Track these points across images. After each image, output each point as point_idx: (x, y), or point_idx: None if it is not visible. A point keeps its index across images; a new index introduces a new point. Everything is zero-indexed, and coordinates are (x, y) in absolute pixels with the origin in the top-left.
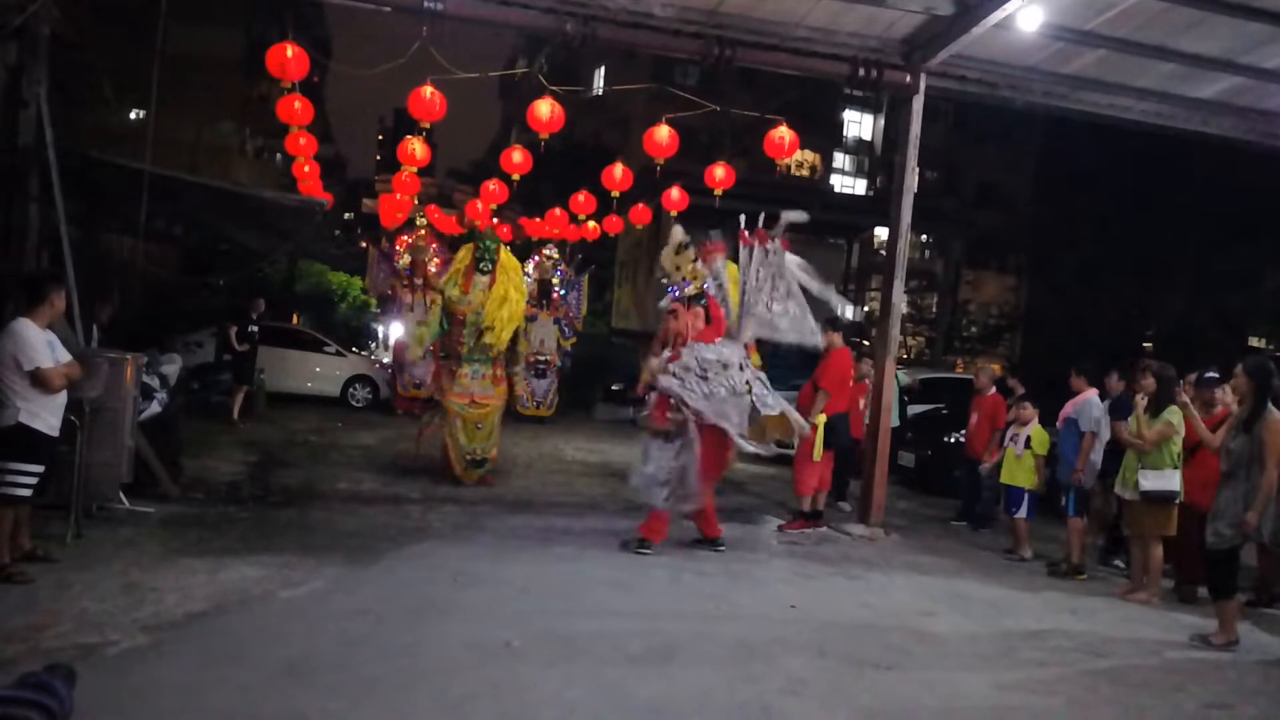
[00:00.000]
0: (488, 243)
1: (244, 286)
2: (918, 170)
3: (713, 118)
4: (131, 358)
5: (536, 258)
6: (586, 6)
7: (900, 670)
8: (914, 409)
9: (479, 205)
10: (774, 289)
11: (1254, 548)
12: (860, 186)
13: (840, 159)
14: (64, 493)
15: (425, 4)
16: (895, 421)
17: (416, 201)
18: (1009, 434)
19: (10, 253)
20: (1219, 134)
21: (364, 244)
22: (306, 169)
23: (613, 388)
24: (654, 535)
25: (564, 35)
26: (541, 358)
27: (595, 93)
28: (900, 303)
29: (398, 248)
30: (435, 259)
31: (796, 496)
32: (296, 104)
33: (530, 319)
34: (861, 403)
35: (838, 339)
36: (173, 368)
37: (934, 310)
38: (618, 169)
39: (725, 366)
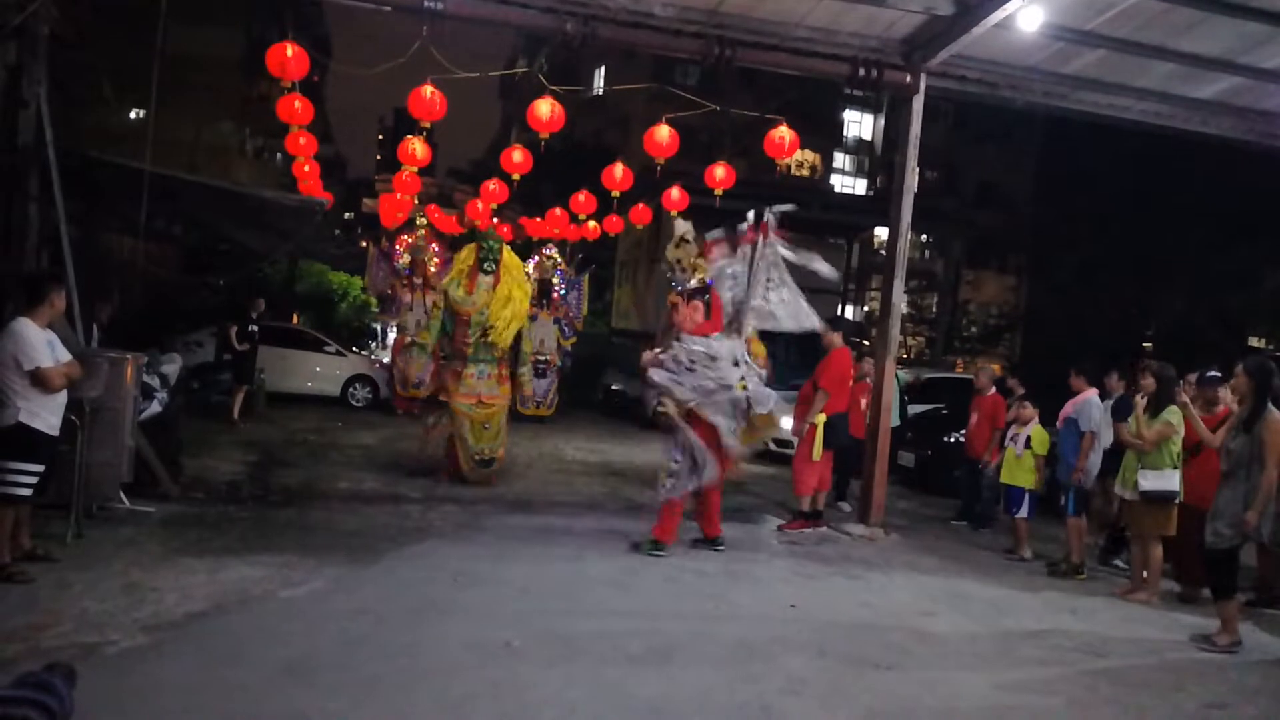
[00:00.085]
0: (490, 243)
1: (244, 286)
2: (918, 170)
3: (713, 117)
4: (131, 357)
5: (536, 257)
6: (586, 6)
7: (900, 670)
8: (914, 408)
9: (479, 205)
10: (769, 280)
11: (1254, 547)
12: (860, 186)
13: (840, 159)
14: (64, 492)
15: (425, 3)
16: (895, 421)
17: (417, 201)
18: (1009, 434)
19: (10, 252)
20: (1218, 134)
21: (364, 243)
22: (306, 168)
23: (612, 388)
24: (667, 536)
25: (564, 35)
26: (541, 357)
27: (595, 92)
28: (900, 302)
29: (397, 247)
30: (435, 259)
31: (796, 496)
32: (296, 103)
33: (530, 319)
34: (863, 402)
35: (838, 339)
36: (173, 367)
37: (934, 310)
38: (618, 169)
39: (713, 359)
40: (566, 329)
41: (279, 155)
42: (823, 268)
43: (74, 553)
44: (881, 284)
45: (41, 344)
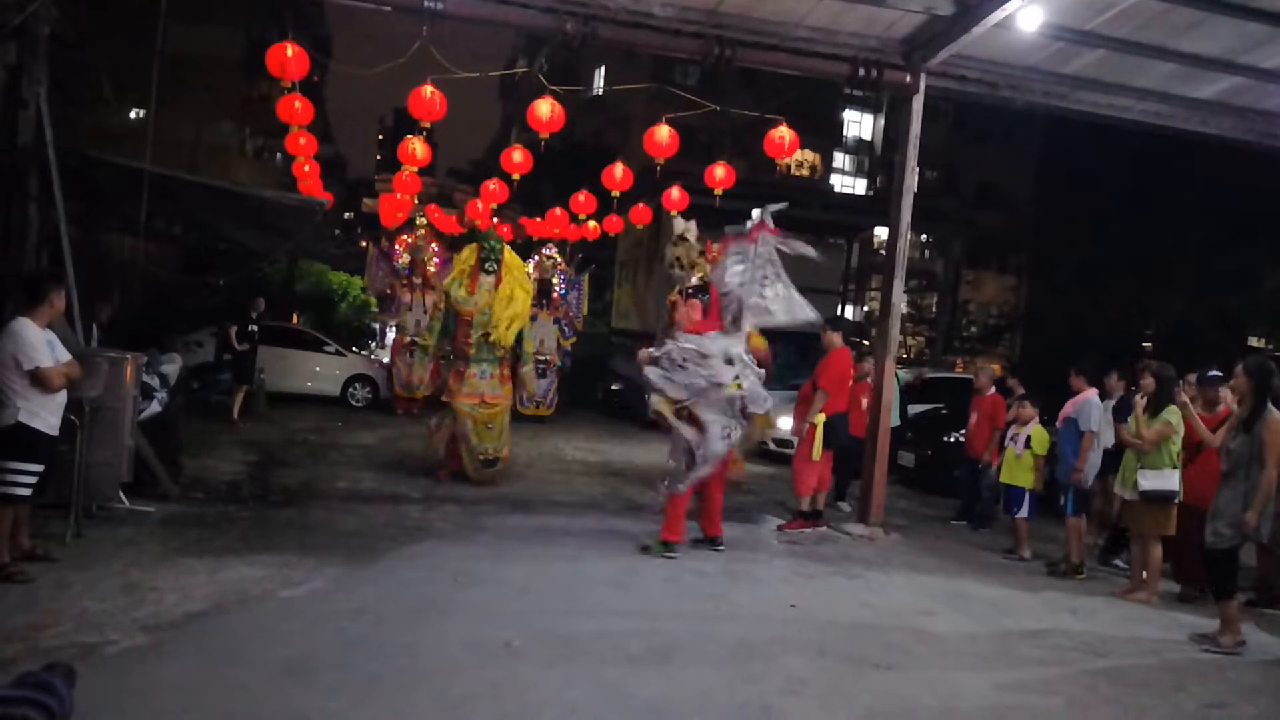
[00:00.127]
0: (492, 243)
1: (244, 286)
2: (918, 170)
3: (713, 117)
4: (131, 357)
5: (536, 257)
6: (586, 6)
7: (900, 670)
8: (914, 408)
9: (479, 205)
10: (764, 277)
11: (1253, 547)
12: (860, 186)
13: (840, 159)
14: (64, 492)
15: (425, 3)
16: (895, 421)
17: (417, 201)
18: (1009, 434)
19: (10, 252)
20: (1218, 134)
21: (364, 243)
22: (306, 168)
23: (612, 388)
24: (676, 535)
25: (564, 35)
26: (541, 357)
27: (595, 92)
28: (900, 302)
29: (397, 247)
30: (434, 259)
31: (795, 496)
32: (296, 103)
33: (530, 319)
34: (864, 402)
35: (837, 339)
36: (173, 367)
37: (934, 310)
38: (618, 169)
39: (705, 357)
40: (566, 329)
41: (279, 155)
42: (807, 250)
43: (73, 552)
44: (881, 284)
45: (41, 344)
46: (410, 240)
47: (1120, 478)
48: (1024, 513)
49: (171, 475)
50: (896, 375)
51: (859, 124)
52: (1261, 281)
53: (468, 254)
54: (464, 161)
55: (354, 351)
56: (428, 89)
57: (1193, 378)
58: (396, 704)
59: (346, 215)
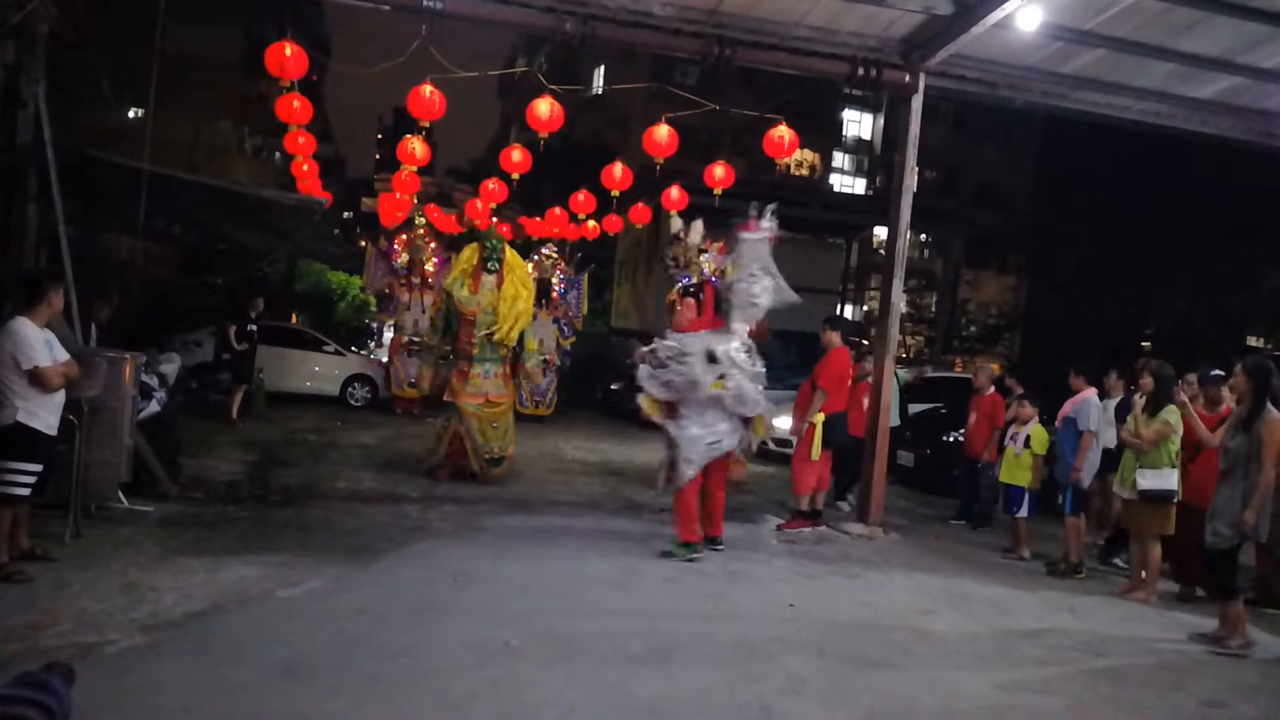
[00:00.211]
0: (493, 242)
1: (243, 286)
2: (917, 169)
3: (712, 117)
4: (130, 357)
5: (536, 257)
6: (586, 5)
7: (900, 669)
8: (914, 408)
9: (478, 204)
10: (750, 274)
11: (1252, 547)
12: (860, 186)
13: (840, 158)
14: (63, 492)
15: (424, 3)
16: (895, 420)
17: (416, 201)
18: (1009, 433)
19: (9, 252)
20: (1218, 134)
21: (363, 243)
22: (305, 168)
23: (612, 387)
24: (694, 536)
25: (563, 34)
26: (540, 357)
27: (595, 92)
28: (899, 302)
29: (396, 246)
30: (433, 258)
31: (795, 495)
32: (295, 103)
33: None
34: (865, 402)
35: (836, 338)
36: (171, 367)
37: (933, 309)
38: (617, 168)
39: (685, 355)
40: (566, 328)
41: (278, 154)
42: (790, 296)
43: (72, 552)
44: (881, 283)
45: (40, 343)
46: (409, 239)
47: (1119, 477)
48: (1023, 512)
49: (170, 475)
50: (896, 374)
51: (858, 123)
52: (1261, 281)
53: (469, 254)
54: (463, 161)
55: (353, 351)
56: (427, 88)
57: (1192, 377)
58: (396, 704)
59: (346, 215)
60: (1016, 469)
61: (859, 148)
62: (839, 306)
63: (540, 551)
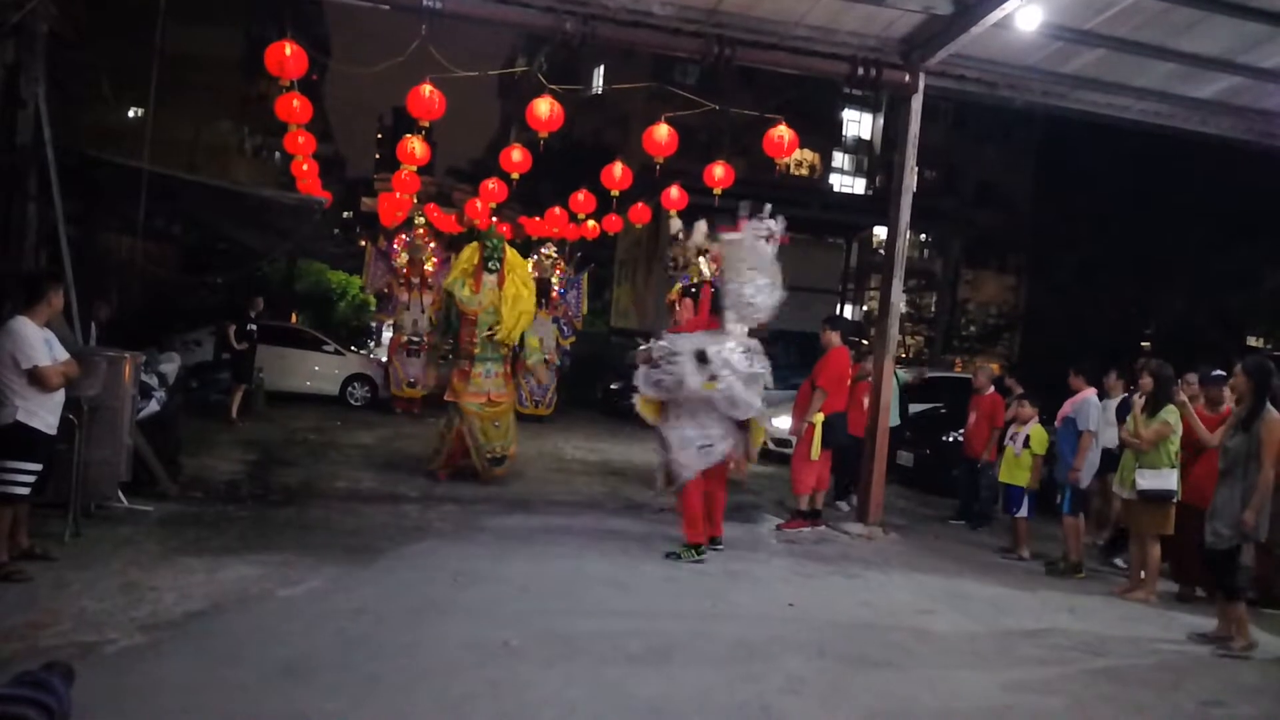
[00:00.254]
0: (494, 241)
1: (243, 285)
2: (917, 169)
3: (712, 116)
4: (130, 356)
5: (536, 257)
6: (586, 5)
7: (900, 669)
8: (914, 407)
9: (478, 204)
10: (742, 275)
11: (1252, 547)
12: (859, 185)
13: (839, 158)
14: (62, 491)
15: (424, 2)
16: (895, 420)
17: (416, 200)
18: (1009, 433)
19: (9, 252)
20: (1218, 134)
21: (362, 242)
22: (305, 167)
23: (611, 387)
24: (701, 538)
25: (563, 34)
26: (542, 356)
27: (594, 91)
28: (899, 302)
29: (395, 246)
30: (433, 258)
31: (794, 495)
32: (295, 102)
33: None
34: (866, 402)
35: (835, 338)
36: (171, 366)
37: (933, 309)
38: (617, 168)
39: (675, 354)
40: (565, 328)
41: (278, 154)
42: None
43: (72, 551)
44: (880, 283)
45: (39, 343)
46: (408, 239)
47: (1119, 477)
48: (1023, 512)
49: (170, 474)
50: (896, 374)
51: (858, 123)
52: (1261, 281)
53: (469, 253)
54: (463, 160)
55: (353, 351)
56: (427, 88)
57: (1192, 377)
58: (396, 704)
59: (345, 214)
60: (1016, 469)
61: (859, 147)
62: (839, 306)
63: (540, 551)
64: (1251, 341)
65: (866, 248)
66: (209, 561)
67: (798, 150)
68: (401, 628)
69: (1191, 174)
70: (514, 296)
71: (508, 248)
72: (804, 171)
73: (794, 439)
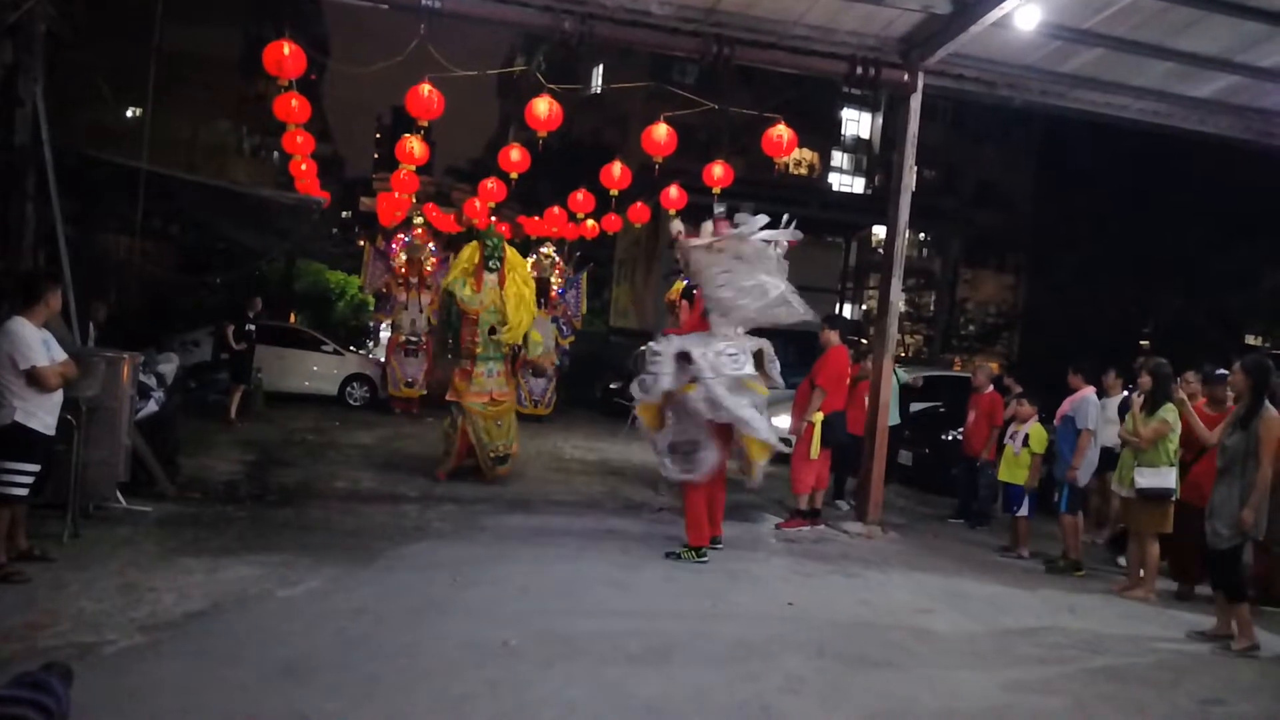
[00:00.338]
0: (494, 240)
1: (241, 285)
2: (916, 169)
3: (711, 116)
4: (128, 357)
5: (535, 256)
6: (584, 4)
7: (899, 668)
8: (912, 407)
9: (477, 204)
10: (718, 279)
11: (1252, 545)
12: (858, 185)
13: (838, 157)
14: (61, 492)
15: (423, 2)
16: (895, 419)
17: (414, 200)
18: (1008, 432)
19: (6, 252)
20: (1216, 133)
21: (361, 242)
22: (304, 167)
23: (610, 386)
24: (704, 540)
25: (562, 33)
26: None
27: (593, 91)
28: (898, 301)
29: (394, 246)
30: (431, 258)
31: (793, 494)
32: (294, 102)
33: None
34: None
35: (834, 337)
36: (170, 367)
37: (932, 309)
38: (616, 167)
39: (656, 355)
40: (564, 328)
41: (276, 154)
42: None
43: (71, 552)
44: (879, 282)
45: (37, 343)
46: (406, 239)
47: (1118, 475)
48: (1024, 511)
49: (169, 475)
50: (896, 373)
51: (857, 122)
52: (1260, 280)
53: (470, 253)
54: (462, 160)
55: (351, 351)
56: (425, 87)
57: (1191, 375)
58: (396, 704)
59: (344, 214)
60: (1015, 468)
61: (858, 147)
62: (838, 305)
63: (540, 551)
64: (1250, 340)
65: (865, 247)
66: (208, 562)
67: (797, 149)
68: (401, 628)
69: (1190, 173)
70: (516, 296)
71: (507, 246)
72: (803, 171)
73: (793, 438)
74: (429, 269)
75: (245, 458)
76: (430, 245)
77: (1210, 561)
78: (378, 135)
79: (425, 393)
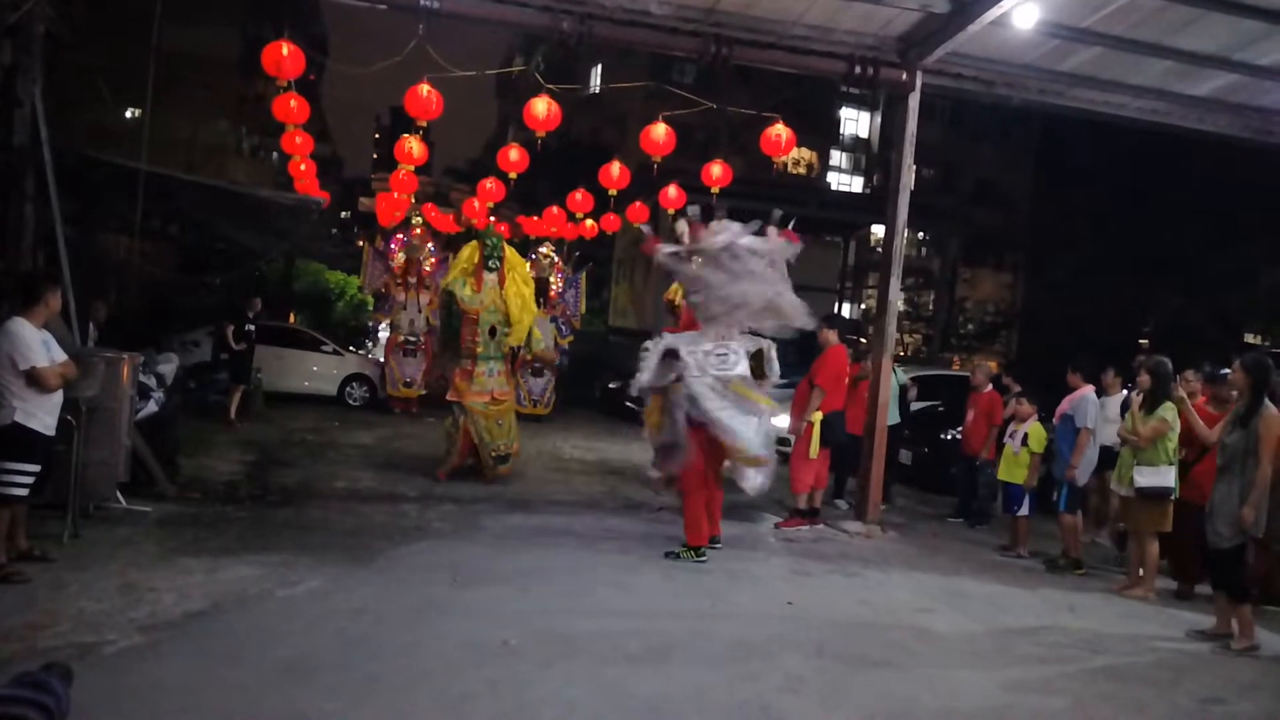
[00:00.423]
0: (493, 239)
1: (241, 285)
2: (914, 168)
3: (710, 115)
4: (128, 357)
5: (534, 256)
6: (583, 4)
7: (899, 668)
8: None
9: (476, 204)
10: (693, 281)
11: (1251, 544)
12: (857, 184)
13: (837, 156)
14: (61, 492)
15: (421, 2)
16: (895, 419)
17: (413, 200)
18: (1008, 431)
19: (6, 253)
20: (1215, 131)
21: (360, 242)
22: (303, 167)
23: (610, 386)
24: (702, 539)
25: (560, 33)
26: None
27: (592, 91)
28: (897, 300)
29: (393, 246)
30: (430, 258)
31: (793, 494)
32: (293, 102)
33: None
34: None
35: (833, 336)
36: (169, 367)
37: (931, 308)
38: (615, 167)
39: (644, 352)
40: (564, 327)
41: (275, 154)
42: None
43: (70, 552)
44: (878, 282)
45: (37, 344)
46: (405, 239)
47: (1117, 474)
48: (1024, 510)
49: (168, 475)
50: (896, 372)
51: (856, 122)
52: (1258, 279)
53: (469, 252)
54: (461, 160)
55: (351, 351)
56: (424, 88)
57: (1190, 374)
58: (396, 704)
59: (343, 214)
60: (1014, 467)
61: (856, 146)
62: (836, 305)
63: (539, 551)
64: (1249, 339)
65: (864, 246)
66: (208, 562)
67: (795, 149)
68: (401, 628)
69: (1189, 172)
70: (517, 296)
71: (507, 246)
72: (801, 170)
73: (792, 437)
74: (428, 269)
75: (245, 458)
76: (429, 245)
77: (1211, 561)
78: (376, 135)
79: (424, 392)
